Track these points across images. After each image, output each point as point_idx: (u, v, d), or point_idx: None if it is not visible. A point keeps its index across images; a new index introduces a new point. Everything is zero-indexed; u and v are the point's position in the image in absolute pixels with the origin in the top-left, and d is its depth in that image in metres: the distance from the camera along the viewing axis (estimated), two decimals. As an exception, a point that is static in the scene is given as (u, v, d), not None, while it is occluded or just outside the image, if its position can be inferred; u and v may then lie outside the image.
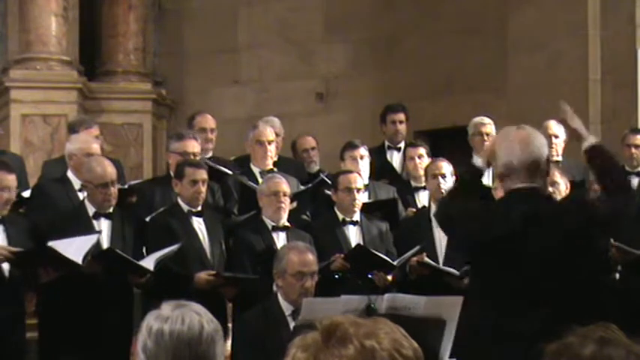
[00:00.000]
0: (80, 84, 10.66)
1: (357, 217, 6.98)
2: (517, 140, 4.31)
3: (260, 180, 7.31)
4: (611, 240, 6.54)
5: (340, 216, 6.99)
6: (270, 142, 7.52)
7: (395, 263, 6.70)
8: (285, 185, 6.77)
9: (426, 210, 7.30)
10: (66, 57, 10.66)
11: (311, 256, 5.50)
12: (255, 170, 7.51)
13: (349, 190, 6.91)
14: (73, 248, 6.09)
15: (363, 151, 7.67)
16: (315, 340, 1.86)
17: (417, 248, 6.79)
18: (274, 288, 5.77)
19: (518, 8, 10.17)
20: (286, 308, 5.41)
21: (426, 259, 6.83)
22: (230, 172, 7.55)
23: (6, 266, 6.29)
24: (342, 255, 6.65)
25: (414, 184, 7.82)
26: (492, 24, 10.46)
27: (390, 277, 6.72)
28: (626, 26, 9.51)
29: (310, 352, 1.85)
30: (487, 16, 10.54)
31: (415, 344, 1.89)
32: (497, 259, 4.21)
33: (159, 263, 6.25)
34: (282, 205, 6.70)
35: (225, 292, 6.50)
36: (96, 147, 7.13)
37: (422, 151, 7.86)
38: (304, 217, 7.41)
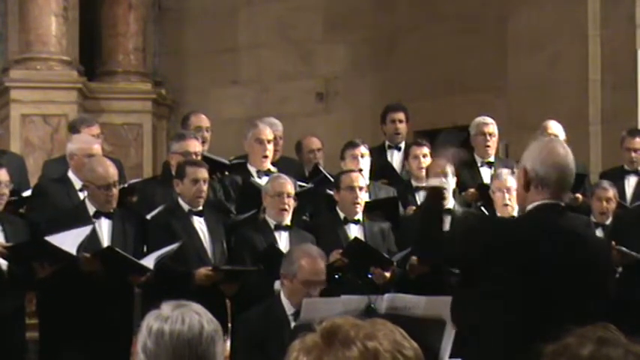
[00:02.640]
0: (80, 84, 10.67)
1: (358, 216, 6.99)
2: (555, 151, 3.96)
3: (257, 179, 7.32)
4: (612, 242, 6.55)
5: (342, 215, 7.00)
6: (269, 142, 7.52)
7: (392, 259, 6.70)
8: (290, 186, 6.78)
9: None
10: (66, 57, 10.66)
11: (322, 265, 5.47)
12: (252, 170, 7.51)
13: (351, 188, 6.92)
14: (67, 241, 6.09)
15: (363, 149, 7.68)
16: (315, 342, 1.86)
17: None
18: (276, 286, 5.76)
19: (518, 8, 10.17)
20: (288, 308, 5.40)
21: (425, 258, 6.83)
22: (227, 162, 7.58)
23: (4, 262, 6.30)
24: (340, 251, 6.65)
25: (414, 183, 7.81)
26: (492, 24, 10.46)
27: (387, 274, 6.72)
28: (626, 26, 9.52)
29: (313, 355, 1.85)
30: (487, 16, 10.54)
31: (415, 344, 1.90)
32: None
33: (159, 261, 6.25)
34: (286, 206, 6.72)
35: (226, 290, 6.51)
36: (97, 147, 7.12)
37: (426, 150, 7.84)
38: (304, 217, 7.41)
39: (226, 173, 7.57)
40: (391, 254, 6.84)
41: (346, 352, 1.82)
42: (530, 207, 3.94)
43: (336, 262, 6.59)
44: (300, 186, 7.38)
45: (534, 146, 4.01)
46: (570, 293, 3.98)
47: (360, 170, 7.46)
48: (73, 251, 6.08)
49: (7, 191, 6.49)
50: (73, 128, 7.87)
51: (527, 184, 3.93)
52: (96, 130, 7.81)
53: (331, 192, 7.24)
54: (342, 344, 1.83)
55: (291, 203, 6.75)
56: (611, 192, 7.50)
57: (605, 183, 7.62)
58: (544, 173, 3.89)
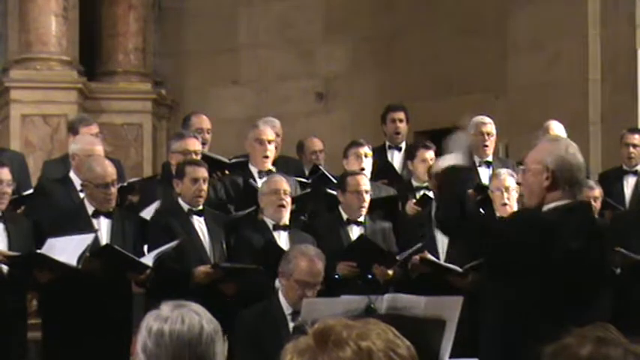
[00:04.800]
0: (80, 84, 10.66)
1: (361, 217, 6.98)
2: (578, 153, 4.13)
3: (258, 180, 7.31)
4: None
5: (345, 216, 6.99)
6: (270, 142, 7.51)
7: (397, 257, 6.71)
8: (285, 183, 6.77)
9: (427, 208, 7.29)
10: (66, 57, 10.66)
11: (320, 267, 5.44)
12: (254, 170, 7.49)
13: (358, 192, 6.91)
14: (69, 249, 6.09)
15: (367, 149, 7.69)
16: (309, 344, 1.86)
17: (418, 245, 6.79)
18: (276, 285, 5.76)
19: (518, 8, 10.17)
20: (286, 308, 5.40)
21: (429, 256, 6.84)
22: (227, 161, 7.58)
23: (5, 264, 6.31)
24: (350, 264, 6.63)
25: (415, 183, 7.82)
26: (492, 24, 10.46)
27: (390, 272, 6.72)
28: (626, 26, 9.52)
29: (307, 356, 1.84)
30: (487, 16, 10.55)
31: (408, 343, 1.89)
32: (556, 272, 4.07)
33: (158, 259, 6.25)
34: (283, 202, 6.70)
35: (225, 290, 6.50)
36: (99, 148, 7.13)
37: (433, 153, 7.82)
38: (302, 217, 7.39)
39: (226, 172, 7.58)
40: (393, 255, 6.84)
41: (339, 353, 1.82)
42: (555, 205, 4.04)
43: (347, 274, 6.59)
44: (300, 181, 7.37)
45: (555, 146, 4.12)
46: (603, 290, 4.04)
47: (362, 169, 7.47)
48: (74, 261, 6.07)
49: (9, 190, 6.49)
50: (72, 128, 7.87)
51: (552, 184, 4.03)
52: (95, 129, 7.81)
53: (331, 191, 7.24)
54: (335, 345, 1.82)
55: (287, 200, 6.73)
56: (597, 190, 7.54)
57: (591, 182, 7.66)
58: (571, 174, 4.03)
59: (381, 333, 1.85)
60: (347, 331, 1.84)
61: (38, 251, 6.17)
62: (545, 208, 4.08)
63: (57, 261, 6.03)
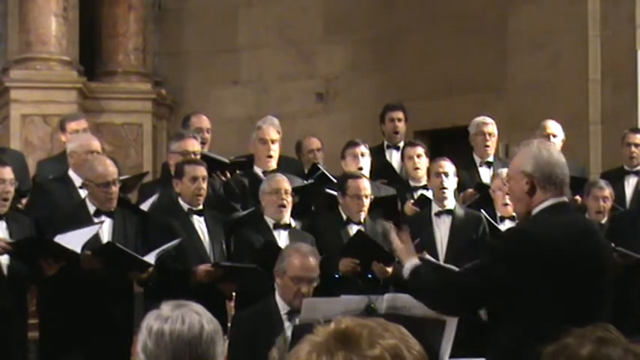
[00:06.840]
0: (80, 84, 10.67)
1: (360, 219, 6.97)
2: (553, 150, 4.10)
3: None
4: (612, 244, 6.57)
5: (344, 216, 6.99)
6: (273, 142, 7.52)
7: (395, 255, 6.70)
8: (286, 183, 6.78)
9: (427, 208, 7.30)
10: (66, 57, 10.67)
11: (312, 262, 5.44)
12: (259, 171, 7.50)
13: (358, 197, 6.91)
14: (74, 242, 6.11)
15: (363, 149, 7.69)
16: (331, 344, 1.83)
17: (415, 241, 6.78)
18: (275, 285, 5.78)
19: (519, 8, 10.18)
20: (282, 307, 5.40)
21: (427, 256, 6.83)
22: (227, 161, 7.59)
23: (5, 261, 6.30)
24: (353, 260, 6.62)
25: (412, 183, 7.83)
26: (492, 24, 10.46)
27: (389, 270, 6.71)
28: (626, 26, 9.52)
29: (340, 356, 1.82)
30: (487, 16, 10.55)
31: (416, 341, 1.90)
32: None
33: (159, 257, 6.26)
34: (284, 202, 6.71)
35: (224, 289, 6.50)
36: (96, 144, 7.15)
37: (420, 150, 7.84)
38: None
39: (227, 173, 7.58)
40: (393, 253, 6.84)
41: (370, 352, 1.81)
42: (541, 207, 4.00)
43: (349, 271, 6.58)
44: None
45: (528, 150, 4.06)
46: (603, 285, 4.03)
47: (360, 169, 7.47)
48: (78, 250, 6.10)
49: (12, 189, 6.50)
50: (61, 125, 7.93)
51: (532, 187, 3.99)
52: (84, 123, 7.84)
53: (331, 191, 7.23)
54: (365, 344, 1.82)
55: (289, 200, 6.74)
56: (607, 191, 7.52)
57: (602, 182, 7.64)
58: (549, 172, 3.97)
59: (395, 332, 1.86)
60: (366, 330, 1.84)
61: (45, 236, 6.19)
62: (533, 212, 4.05)
63: (60, 245, 6.04)
